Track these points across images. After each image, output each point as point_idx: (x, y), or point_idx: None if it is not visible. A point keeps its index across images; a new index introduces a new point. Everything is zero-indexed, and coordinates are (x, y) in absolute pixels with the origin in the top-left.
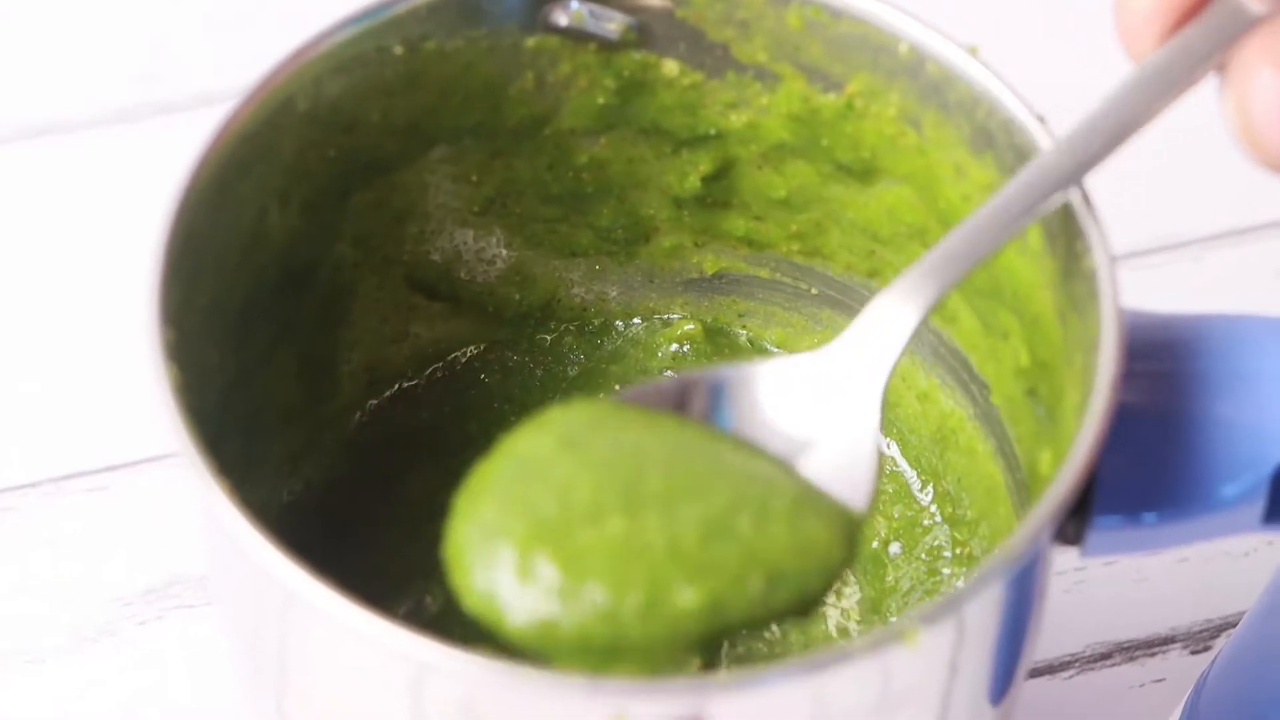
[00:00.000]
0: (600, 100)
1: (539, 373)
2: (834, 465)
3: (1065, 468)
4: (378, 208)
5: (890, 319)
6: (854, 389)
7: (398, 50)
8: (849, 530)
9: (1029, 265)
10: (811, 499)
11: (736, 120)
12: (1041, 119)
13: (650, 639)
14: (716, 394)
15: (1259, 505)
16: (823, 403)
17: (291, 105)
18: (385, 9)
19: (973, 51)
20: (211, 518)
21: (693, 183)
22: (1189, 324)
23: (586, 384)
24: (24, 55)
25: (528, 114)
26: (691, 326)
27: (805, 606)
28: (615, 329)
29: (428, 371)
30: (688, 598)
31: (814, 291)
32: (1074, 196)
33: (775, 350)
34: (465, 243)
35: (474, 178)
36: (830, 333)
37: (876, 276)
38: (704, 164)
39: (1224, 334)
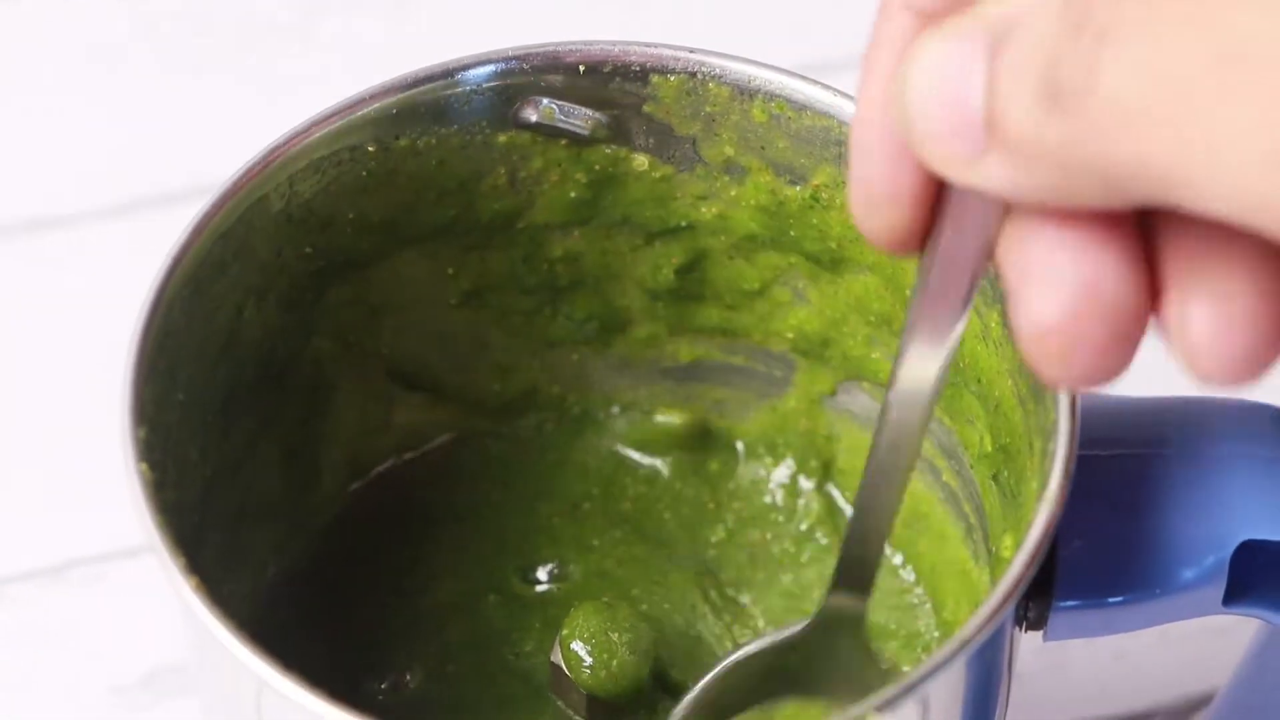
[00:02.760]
0: (572, 194)
1: (519, 460)
2: None
3: (1020, 552)
4: (355, 302)
5: None
6: None
7: (370, 149)
8: None
9: (991, 353)
10: None
11: (707, 212)
12: None
13: None
14: None
15: (1219, 587)
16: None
17: (266, 204)
18: (356, 109)
19: None
20: (186, 611)
21: (666, 274)
22: (1151, 408)
23: (566, 472)
24: None
25: (501, 209)
26: (665, 419)
27: None
28: (594, 418)
29: (408, 457)
30: None
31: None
32: None
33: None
34: (444, 335)
35: (450, 271)
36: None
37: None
38: (676, 255)
39: (1185, 417)
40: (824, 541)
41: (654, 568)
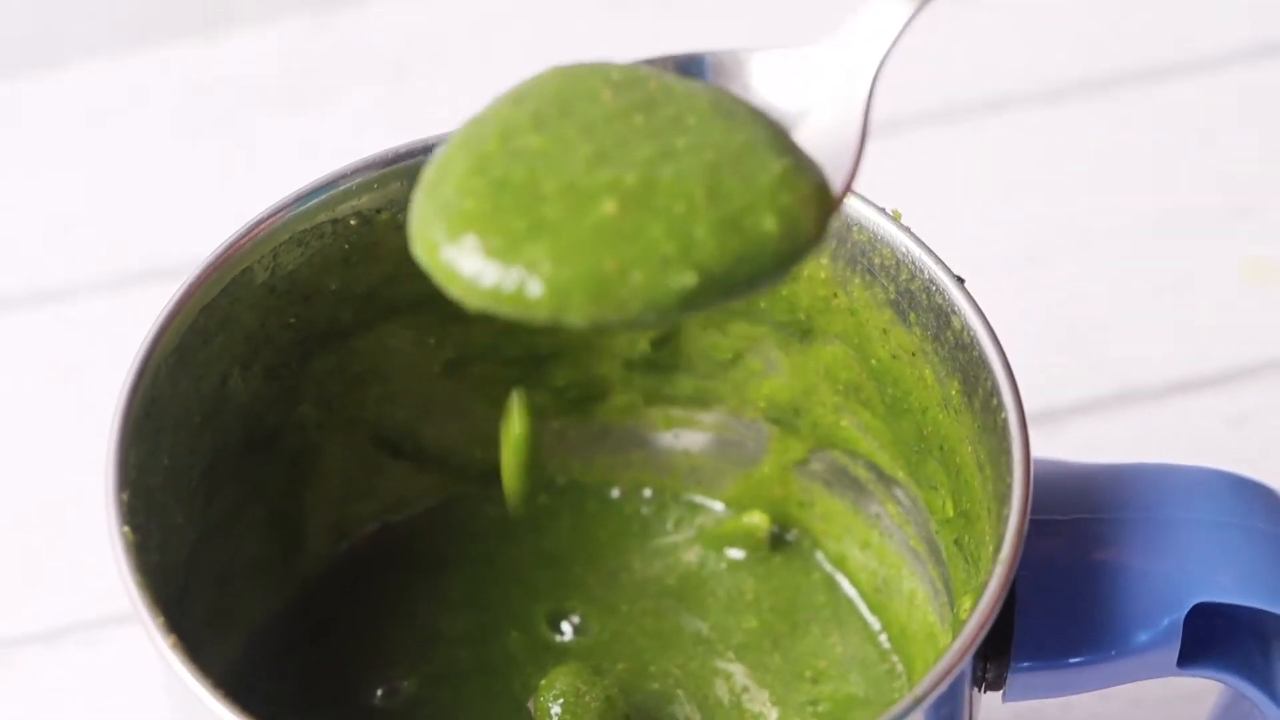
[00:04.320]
0: None
1: (504, 522)
2: (818, 145)
3: (974, 614)
4: (340, 371)
5: (884, 11)
6: (845, 73)
7: (352, 222)
8: (826, 209)
9: (951, 420)
10: (798, 169)
11: None
12: (960, 280)
13: (638, 296)
14: (706, 72)
15: (1174, 649)
16: (813, 86)
17: (249, 277)
18: (338, 183)
19: (896, 216)
20: (168, 671)
21: (642, 346)
22: (1110, 474)
23: (554, 539)
24: None
25: None
26: (649, 493)
27: (759, 286)
28: (577, 485)
29: (395, 520)
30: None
31: None
32: (992, 356)
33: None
34: (427, 403)
35: (432, 341)
36: None
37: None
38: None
39: (1142, 483)
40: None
41: (682, 646)
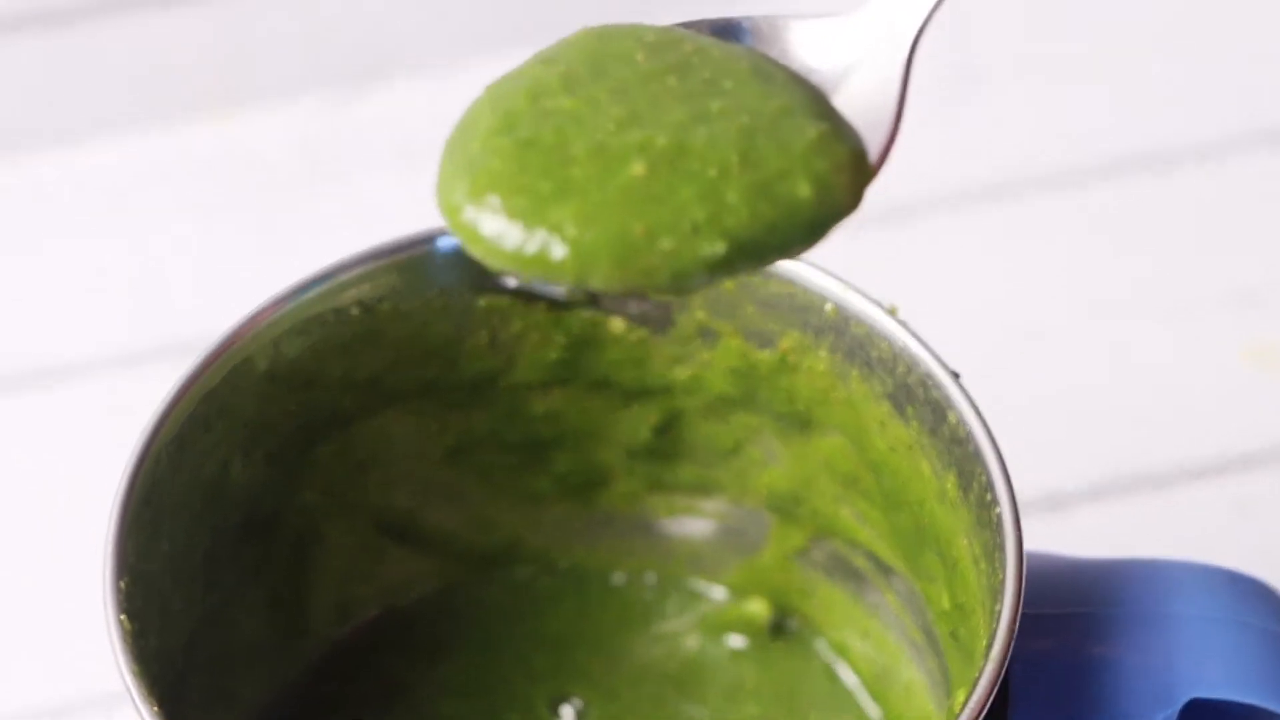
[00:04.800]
0: (552, 356)
1: (507, 609)
2: (857, 110)
3: (965, 709)
4: (341, 457)
5: None
6: (885, 38)
7: (354, 312)
8: (863, 177)
9: (947, 513)
10: (835, 134)
11: (681, 374)
12: (956, 375)
13: (666, 262)
14: (744, 36)
15: None
16: (852, 51)
17: (251, 365)
18: (339, 273)
19: (892, 311)
20: None
21: (644, 434)
22: (1105, 569)
23: (558, 627)
24: None
25: (483, 369)
26: (652, 579)
27: (790, 253)
28: (579, 569)
29: (398, 603)
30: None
31: None
32: (987, 451)
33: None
34: (428, 488)
35: (434, 428)
36: None
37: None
38: (653, 415)
39: (1137, 578)
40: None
41: None
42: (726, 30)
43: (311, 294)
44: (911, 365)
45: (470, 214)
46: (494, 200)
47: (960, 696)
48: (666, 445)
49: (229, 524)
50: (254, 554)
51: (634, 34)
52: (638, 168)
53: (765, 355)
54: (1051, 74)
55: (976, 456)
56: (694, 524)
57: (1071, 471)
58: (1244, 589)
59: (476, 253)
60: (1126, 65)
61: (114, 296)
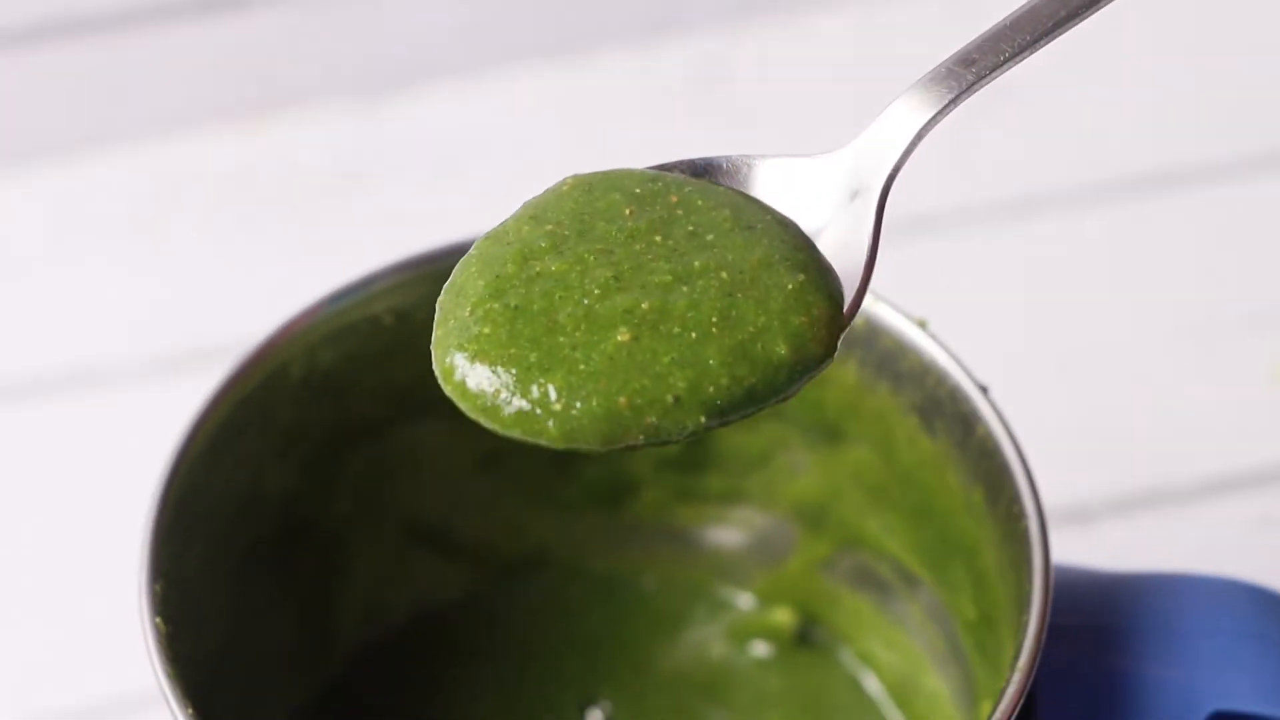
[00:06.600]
0: None
1: (537, 614)
2: (834, 255)
3: None
4: (375, 465)
5: (897, 122)
6: (854, 191)
7: (388, 321)
8: (836, 328)
9: (975, 525)
10: (813, 285)
11: None
12: (984, 388)
13: (649, 432)
14: (721, 177)
15: None
16: (821, 200)
17: (285, 372)
18: (374, 282)
19: (922, 324)
20: None
21: (673, 446)
22: (1130, 582)
23: (587, 632)
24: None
25: None
26: (680, 586)
27: (769, 404)
28: (609, 575)
29: (427, 609)
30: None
31: None
32: (1014, 464)
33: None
34: (460, 496)
35: (467, 436)
36: None
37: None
38: None
39: (1162, 592)
40: None
41: None
42: (705, 170)
43: (346, 302)
44: (941, 378)
45: (461, 380)
46: (484, 370)
47: (986, 708)
48: (695, 455)
49: (262, 530)
50: (286, 559)
51: (620, 185)
52: (622, 334)
53: None
54: (1081, 90)
55: (1004, 470)
56: (722, 533)
57: (1097, 485)
58: (1269, 603)
59: (470, 414)
60: (1156, 82)
61: (149, 304)
